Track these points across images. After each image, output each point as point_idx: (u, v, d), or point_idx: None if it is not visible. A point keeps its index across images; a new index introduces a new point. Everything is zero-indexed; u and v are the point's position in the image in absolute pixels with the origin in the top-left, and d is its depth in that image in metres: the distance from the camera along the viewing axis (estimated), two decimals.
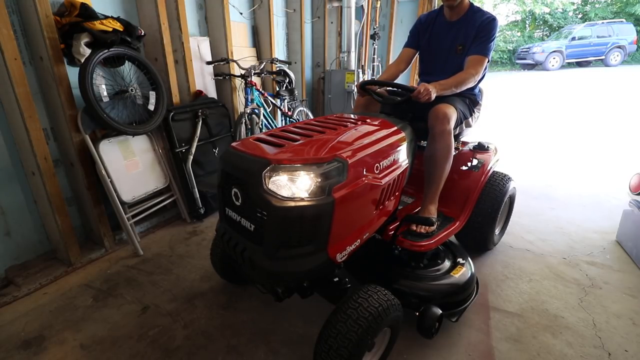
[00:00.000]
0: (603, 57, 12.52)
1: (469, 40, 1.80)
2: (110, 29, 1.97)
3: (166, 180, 2.55)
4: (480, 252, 2.17)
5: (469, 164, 2.00)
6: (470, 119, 1.94)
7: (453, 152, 1.74)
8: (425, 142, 1.77)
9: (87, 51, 1.94)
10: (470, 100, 1.94)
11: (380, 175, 1.38)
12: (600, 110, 6.80)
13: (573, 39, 12.43)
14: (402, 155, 1.55)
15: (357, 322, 1.16)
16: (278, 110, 3.48)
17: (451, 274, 1.61)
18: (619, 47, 12.25)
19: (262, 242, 1.21)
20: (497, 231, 2.17)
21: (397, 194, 1.59)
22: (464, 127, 1.92)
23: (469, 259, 1.74)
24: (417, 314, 1.42)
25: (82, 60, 1.91)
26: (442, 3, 1.89)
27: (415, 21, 2.04)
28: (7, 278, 1.96)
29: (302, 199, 1.14)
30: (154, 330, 1.61)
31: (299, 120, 3.54)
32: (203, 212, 2.68)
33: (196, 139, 2.65)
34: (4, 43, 1.66)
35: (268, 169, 1.13)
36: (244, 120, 2.75)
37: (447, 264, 1.68)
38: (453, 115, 1.69)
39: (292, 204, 1.12)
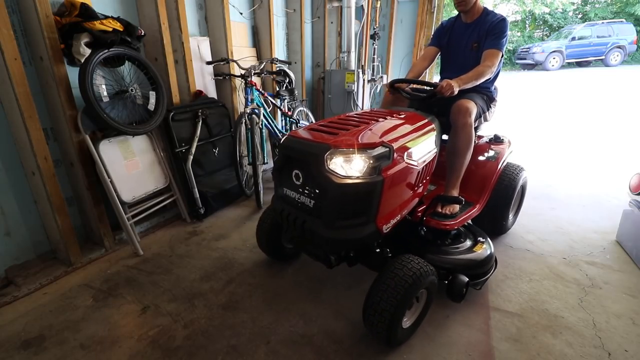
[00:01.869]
0: (603, 57, 12.52)
1: (483, 38, 1.99)
2: (110, 29, 1.97)
3: (166, 180, 2.55)
4: (496, 234, 2.32)
5: (486, 154, 2.19)
6: (487, 114, 2.12)
7: (473, 143, 1.93)
8: (446, 135, 1.96)
9: (87, 51, 1.94)
10: (488, 97, 2.12)
11: (416, 160, 1.61)
12: (600, 110, 6.80)
13: (573, 39, 12.42)
14: (432, 144, 1.77)
15: (399, 285, 1.37)
16: (278, 110, 3.48)
17: (474, 249, 1.82)
18: (619, 47, 12.24)
19: (320, 215, 1.41)
20: (510, 216, 2.37)
21: (427, 179, 1.81)
22: (482, 121, 2.11)
23: (488, 238, 1.93)
24: (447, 282, 1.63)
25: (82, 60, 1.91)
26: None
27: (432, 26, 2.31)
28: (7, 278, 1.96)
29: (357, 178, 1.35)
30: (154, 330, 1.61)
31: (299, 120, 3.54)
32: (203, 212, 2.68)
33: (196, 139, 2.65)
34: (4, 43, 1.66)
35: (329, 152, 1.34)
36: (244, 120, 2.75)
37: (468, 242, 1.87)
38: (474, 109, 1.87)
39: (350, 181, 1.33)
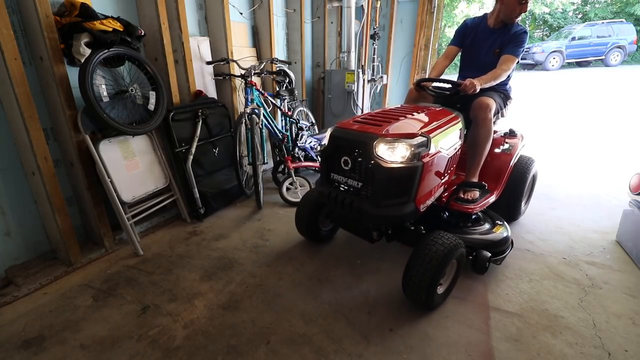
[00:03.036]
0: (603, 57, 12.51)
1: (505, 45, 2.17)
2: (110, 29, 1.97)
3: (166, 180, 2.54)
4: (510, 220, 2.44)
5: (502, 147, 2.37)
6: (504, 110, 2.33)
7: (492, 136, 2.14)
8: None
9: (87, 51, 1.94)
10: (504, 95, 2.32)
11: (446, 149, 1.82)
12: (600, 110, 6.80)
13: (573, 39, 12.41)
14: (458, 136, 1.97)
15: (435, 256, 1.58)
16: (278, 110, 3.48)
17: (493, 230, 2.04)
18: (619, 47, 12.23)
19: (368, 196, 1.64)
20: (523, 203, 2.56)
21: (453, 167, 2.03)
22: (499, 117, 2.30)
23: (505, 222, 2.15)
24: (471, 257, 1.84)
25: (82, 60, 1.91)
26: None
27: (460, 25, 2.44)
28: (7, 278, 1.96)
29: (400, 163, 1.56)
30: (154, 330, 1.61)
31: (299, 120, 3.54)
32: (203, 212, 2.68)
33: (196, 139, 2.65)
34: (4, 43, 1.66)
35: (377, 141, 1.56)
36: (244, 120, 2.75)
37: (487, 225, 2.09)
38: (493, 105, 2.07)
39: (394, 165, 1.55)
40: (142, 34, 2.22)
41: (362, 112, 4.52)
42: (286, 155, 3.26)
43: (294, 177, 3.10)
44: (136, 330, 1.62)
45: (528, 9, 2.17)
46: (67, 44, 1.93)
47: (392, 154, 1.57)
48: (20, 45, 1.84)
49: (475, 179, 2.18)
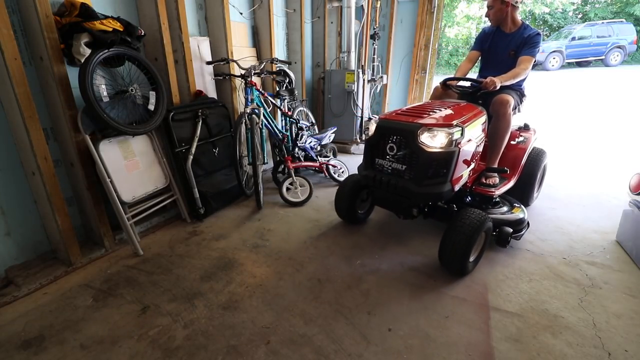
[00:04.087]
0: (603, 57, 12.50)
1: (520, 47, 2.43)
2: (110, 29, 1.97)
3: (166, 180, 2.54)
4: (523, 205, 2.54)
5: (517, 139, 2.64)
6: (520, 106, 2.58)
7: (511, 129, 2.42)
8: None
9: (87, 51, 1.94)
10: (520, 93, 2.56)
11: (475, 138, 2.13)
12: (600, 110, 6.80)
13: (573, 39, 12.41)
14: (482, 128, 2.28)
15: (467, 229, 1.86)
16: (278, 110, 3.48)
17: (512, 211, 2.32)
18: (619, 47, 12.22)
19: (411, 177, 1.93)
20: (535, 190, 2.80)
21: (478, 155, 2.31)
22: (516, 112, 2.52)
23: (522, 205, 2.43)
24: (494, 233, 2.12)
25: (82, 60, 1.91)
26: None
27: (479, 32, 2.76)
28: (7, 278, 1.96)
29: (440, 148, 1.84)
30: (154, 330, 1.61)
31: (298, 120, 3.54)
32: (203, 212, 2.68)
33: (196, 139, 2.65)
34: (4, 43, 1.66)
35: (420, 130, 1.85)
36: (244, 120, 2.75)
37: (505, 208, 2.37)
38: (512, 102, 2.32)
39: (435, 150, 1.84)
40: (142, 34, 2.22)
41: (362, 112, 4.52)
42: (286, 155, 3.26)
43: (294, 177, 3.10)
44: (136, 330, 1.62)
45: (519, 9, 2.48)
46: (67, 44, 1.93)
47: (433, 140, 1.85)
48: (20, 45, 1.84)
49: (495, 166, 2.48)
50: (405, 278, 1.99)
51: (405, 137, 1.91)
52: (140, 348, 1.52)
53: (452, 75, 2.54)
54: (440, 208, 2.24)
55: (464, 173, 2.06)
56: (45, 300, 1.82)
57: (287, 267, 2.10)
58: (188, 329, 1.62)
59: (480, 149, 2.28)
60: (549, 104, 7.53)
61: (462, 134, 1.91)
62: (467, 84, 2.47)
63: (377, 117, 2.11)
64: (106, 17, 2.00)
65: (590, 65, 13.19)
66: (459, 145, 1.89)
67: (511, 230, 2.10)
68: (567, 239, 2.40)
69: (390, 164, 2.01)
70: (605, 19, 13.92)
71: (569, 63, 12.98)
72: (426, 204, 2.19)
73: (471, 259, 1.97)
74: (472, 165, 2.19)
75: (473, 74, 2.77)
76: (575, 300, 1.80)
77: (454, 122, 1.91)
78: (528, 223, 2.32)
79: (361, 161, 2.22)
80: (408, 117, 1.98)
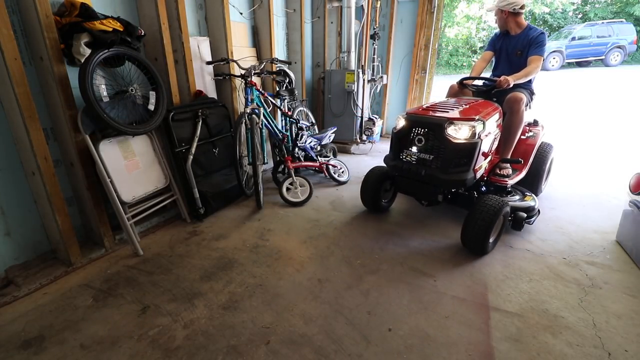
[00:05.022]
0: (603, 57, 12.50)
1: (526, 47, 2.65)
2: (110, 29, 1.97)
3: (166, 180, 2.54)
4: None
5: (527, 134, 2.86)
6: (530, 104, 2.77)
7: (523, 124, 2.62)
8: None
9: (87, 51, 1.94)
10: (530, 91, 2.78)
11: (494, 132, 2.35)
12: (600, 110, 6.80)
13: (573, 39, 12.40)
14: (498, 123, 2.46)
15: (487, 213, 2.07)
16: (278, 110, 3.48)
17: (524, 199, 2.53)
18: (619, 47, 12.21)
19: (437, 165, 2.14)
20: (543, 181, 2.99)
21: (494, 148, 2.52)
22: (527, 109, 2.69)
23: (533, 194, 2.64)
24: (510, 218, 2.33)
25: (82, 60, 1.91)
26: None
27: (492, 35, 3.03)
28: (7, 278, 1.96)
29: (465, 139, 2.07)
30: (154, 330, 1.61)
31: (299, 120, 3.54)
32: (203, 212, 2.68)
33: (196, 139, 2.65)
34: (4, 43, 1.66)
35: (447, 123, 2.08)
36: (244, 120, 2.75)
37: (517, 196, 2.57)
38: (524, 99, 2.52)
39: (460, 141, 2.07)
40: (142, 34, 2.22)
41: (362, 112, 4.52)
42: (286, 155, 3.26)
43: (294, 177, 3.10)
44: (136, 330, 1.62)
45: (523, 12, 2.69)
46: (67, 44, 1.93)
47: (458, 133, 2.07)
48: (20, 45, 1.84)
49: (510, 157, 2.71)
50: (406, 278, 1.99)
51: (433, 130, 2.13)
52: (140, 348, 1.52)
53: (466, 75, 2.75)
54: (461, 195, 2.47)
55: (482, 164, 2.27)
56: (45, 300, 1.82)
57: (287, 267, 2.10)
58: (188, 329, 1.62)
59: (496, 142, 2.50)
60: (549, 104, 7.52)
61: (483, 127, 2.12)
62: (480, 82, 2.72)
63: (402, 113, 2.35)
64: (106, 17, 2.00)
65: (590, 65, 13.19)
66: (481, 137, 2.09)
67: (525, 215, 2.29)
68: (567, 239, 2.40)
69: (418, 154, 2.22)
70: (605, 19, 13.91)
71: (569, 63, 12.98)
72: (450, 190, 2.41)
73: (491, 240, 2.16)
74: (490, 157, 2.42)
75: (486, 73, 2.97)
76: (575, 300, 1.80)
77: (476, 117, 2.11)
78: (539, 210, 2.49)
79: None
80: (434, 112, 2.20)
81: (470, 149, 2.07)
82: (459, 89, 2.82)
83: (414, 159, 2.24)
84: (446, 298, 1.82)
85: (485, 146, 2.20)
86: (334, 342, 1.54)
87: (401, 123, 2.28)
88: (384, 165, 2.53)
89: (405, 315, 1.70)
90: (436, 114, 2.16)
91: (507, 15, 2.69)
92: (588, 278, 1.98)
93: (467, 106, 2.30)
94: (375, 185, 2.67)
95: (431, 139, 2.16)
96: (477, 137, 2.07)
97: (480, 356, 1.47)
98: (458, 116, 2.11)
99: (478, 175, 2.21)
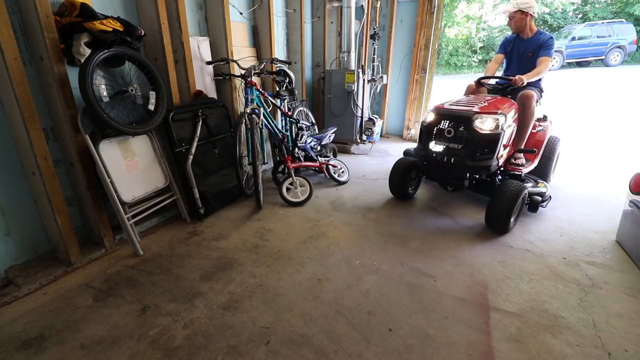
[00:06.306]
0: (603, 57, 12.49)
1: (537, 50, 2.89)
2: (110, 29, 1.97)
3: (166, 180, 2.54)
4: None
5: (537, 128, 3.11)
6: (540, 101, 2.98)
7: (534, 118, 2.87)
8: None
9: (87, 51, 1.94)
10: (540, 89, 3.01)
11: (512, 124, 2.61)
12: (600, 110, 6.80)
13: (573, 39, 12.40)
14: (515, 117, 2.70)
15: (509, 196, 2.34)
16: (278, 110, 3.48)
17: (537, 185, 2.82)
18: (619, 47, 12.21)
19: (465, 153, 2.41)
20: (552, 171, 3.29)
21: (511, 141, 2.78)
22: (537, 105, 2.90)
23: (545, 182, 2.94)
24: (527, 202, 2.59)
25: (82, 60, 1.91)
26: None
27: (503, 39, 3.27)
28: (7, 278, 1.96)
29: (490, 131, 2.33)
30: (154, 330, 1.61)
31: (299, 120, 3.54)
32: (203, 212, 2.68)
33: (196, 139, 2.65)
34: (4, 43, 1.66)
35: (474, 116, 2.36)
36: (244, 120, 2.75)
37: (530, 184, 2.81)
38: (535, 96, 2.75)
39: (486, 132, 2.33)
40: (142, 34, 2.22)
41: (362, 112, 4.52)
42: (286, 155, 3.26)
43: (294, 177, 3.10)
44: (136, 330, 1.62)
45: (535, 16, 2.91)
46: (67, 44, 1.93)
47: (484, 124, 2.33)
48: (20, 45, 1.84)
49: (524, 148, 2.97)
50: (406, 278, 1.99)
51: (462, 122, 2.40)
52: (140, 348, 1.52)
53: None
54: (483, 182, 2.71)
55: (503, 153, 2.54)
56: (45, 300, 1.82)
57: (287, 267, 2.10)
58: (188, 329, 1.62)
59: (513, 135, 2.78)
60: (549, 104, 7.52)
61: (506, 120, 2.38)
62: (493, 81, 2.98)
63: (431, 109, 2.63)
64: (106, 17, 2.00)
65: (590, 65, 13.19)
66: (503, 129, 2.34)
67: (540, 199, 2.55)
68: (567, 239, 2.40)
69: (448, 144, 2.48)
70: (605, 19, 13.90)
71: (569, 63, 12.97)
72: (474, 176, 2.63)
73: (511, 219, 2.41)
74: (508, 149, 2.68)
75: (498, 73, 3.23)
76: (575, 300, 1.80)
77: (499, 111, 2.37)
78: (550, 196, 2.75)
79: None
80: (461, 107, 2.49)
81: (494, 139, 2.33)
82: (476, 87, 3.08)
83: (443, 149, 2.47)
84: (446, 298, 1.82)
85: (506, 137, 2.44)
86: (334, 342, 1.54)
87: (430, 117, 2.54)
88: (407, 157, 3.08)
89: (405, 315, 1.70)
90: (463, 109, 2.45)
91: (527, 18, 2.87)
92: (588, 278, 1.98)
93: (487, 103, 2.53)
94: (403, 175, 2.94)
95: (459, 131, 2.41)
96: (500, 128, 2.32)
97: (480, 356, 1.47)
98: (484, 110, 2.37)
99: (500, 162, 2.49)
